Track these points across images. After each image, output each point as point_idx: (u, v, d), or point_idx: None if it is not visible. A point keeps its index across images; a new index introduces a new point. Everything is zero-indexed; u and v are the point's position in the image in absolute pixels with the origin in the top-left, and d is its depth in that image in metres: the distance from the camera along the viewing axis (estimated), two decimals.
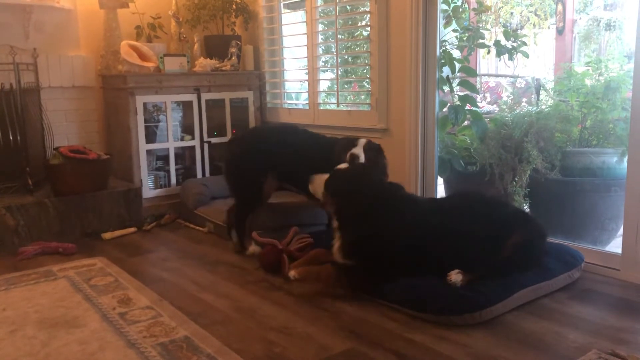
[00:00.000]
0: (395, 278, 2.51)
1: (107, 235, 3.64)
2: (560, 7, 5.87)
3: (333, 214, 2.68)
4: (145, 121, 4.09)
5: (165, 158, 4.28)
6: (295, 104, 4.60)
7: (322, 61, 4.29)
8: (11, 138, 3.64)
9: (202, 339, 2.20)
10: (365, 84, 3.95)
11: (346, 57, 4.25)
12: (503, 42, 3.91)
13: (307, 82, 4.34)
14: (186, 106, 4.37)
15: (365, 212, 2.56)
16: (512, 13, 6.40)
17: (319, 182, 2.72)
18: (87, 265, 3.10)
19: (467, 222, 2.59)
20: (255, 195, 3.24)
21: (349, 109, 4.10)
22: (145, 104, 4.08)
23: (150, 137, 4.21)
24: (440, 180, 3.79)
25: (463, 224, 2.58)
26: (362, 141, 3.01)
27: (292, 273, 2.63)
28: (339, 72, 4.12)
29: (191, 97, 4.25)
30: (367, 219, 2.55)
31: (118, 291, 2.71)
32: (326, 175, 2.71)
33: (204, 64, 4.32)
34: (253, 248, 3.21)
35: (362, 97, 4.27)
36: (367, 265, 2.55)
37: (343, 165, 2.74)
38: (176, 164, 4.28)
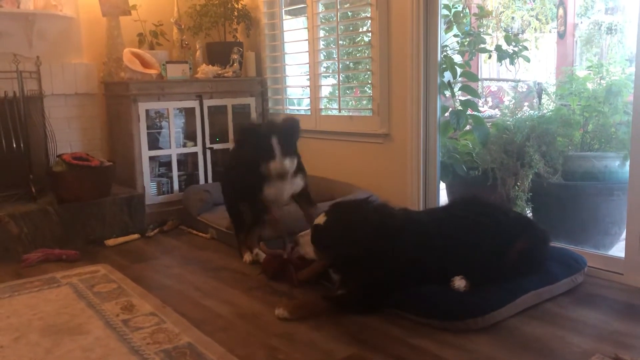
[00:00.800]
0: (394, 295, 2.48)
1: (110, 242, 3.65)
2: (561, 11, 5.88)
3: (333, 267, 2.61)
4: (148, 128, 4.11)
5: (167, 164, 4.29)
6: (297, 110, 4.62)
7: (324, 67, 4.31)
8: (14, 145, 3.66)
9: (205, 345, 2.20)
10: (367, 90, 3.96)
11: (347, 62, 4.26)
12: (504, 46, 3.93)
13: (308, 88, 4.35)
14: (188, 113, 4.39)
15: (365, 253, 2.46)
16: (513, 17, 6.41)
17: (305, 242, 2.61)
18: (90, 272, 3.11)
19: (469, 230, 2.58)
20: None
21: (350, 114, 4.11)
22: (147, 111, 4.10)
23: (153, 143, 4.22)
24: (442, 185, 3.80)
25: (465, 232, 2.57)
26: (275, 140, 2.95)
27: (281, 312, 2.46)
28: (341, 78, 4.13)
29: (193, 103, 4.27)
30: (369, 258, 2.46)
31: (121, 298, 2.72)
32: (307, 233, 2.62)
33: (206, 70, 4.33)
34: (247, 257, 3.24)
35: (364, 102, 4.28)
36: (369, 292, 2.48)
37: (320, 218, 2.60)
38: (179, 170, 4.29)
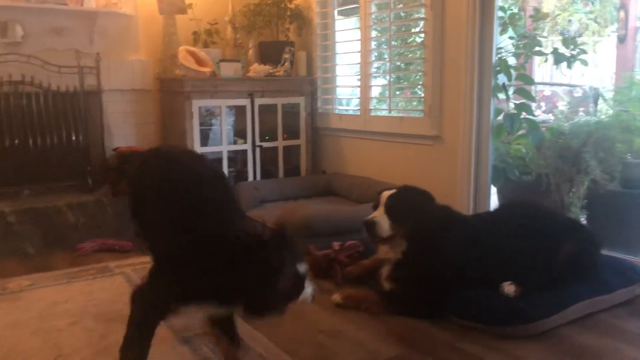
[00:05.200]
0: (445, 299, 2.46)
1: None
2: (622, 14, 5.67)
3: (400, 238, 2.57)
4: (200, 124, 4.19)
5: (218, 161, 4.36)
6: (346, 110, 4.62)
7: (375, 67, 4.29)
8: (74, 138, 3.80)
9: (253, 339, 2.24)
10: (418, 91, 3.93)
11: (399, 63, 4.24)
12: (561, 49, 3.83)
13: (358, 88, 4.35)
14: (239, 110, 4.45)
15: (429, 236, 2.49)
16: (570, 20, 6.23)
17: (380, 217, 2.57)
18: (142, 263, 3.18)
19: (518, 233, 2.54)
20: None
21: (400, 115, 4.09)
22: (200, 108, 4.18)
23: (204, 140, 4.30)
24: (493, 190, 3.73)
25: (514, 236, 2.53)
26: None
27: (336, 297, 2.58)
28: (392, 78, 4.11)
29: (245, 101, 4.33)
30: (429, 244, 2.49)
31: None
32: (375, 213, 2.59)
33: (257, 69, 4.39)
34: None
35: (414, 103, 4.25)
36: (417, 290, 2.48)
37: (388, 192, 2.60)
38: (228, 167, 4.36)
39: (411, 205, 2.58)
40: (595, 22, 6.05)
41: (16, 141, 3.67)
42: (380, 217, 2.56)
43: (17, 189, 3.72)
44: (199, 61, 4.18)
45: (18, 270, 3.10)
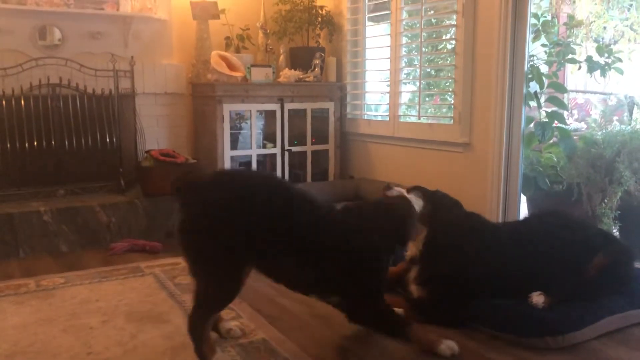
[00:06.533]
0: (470, 307, 2.44)
1: None
2: None
3: (421, 242, 2.55)
4: (230, 128, 4.24)
5: (247, 164, 4.41)
6: (375, 116, 4.62)
7: (405, 73, 4.29)
8: (108, 140, 3.88)
9: (279, 342, 2.25)
10: (448, 97, 3.91)
11: (429, 70, 4.23)
12: (595, 57, 3.77)
13: (387, 94, 4.35)
14: (269, 115, 4.49)
15: (455, 242, 2.49)
16: (605, 27, 6.11)
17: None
18: (171, 264, 3.24)
19: (548, 243, 2.50)
20: None
21: (429, 121, 4.07)
22: (230, 112, 4.23)
23: (234, 143, 4.35)
24: (523, 199, 3.69)
25: (544, 246, 2.49)
26: None
27: None
28: (422, 85, 4.10)
29: (275, 106, 4.36)
30: (455, 249, 2.48)
31: None
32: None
33: (288, 74, 4.43)
34: None
35: (444, 110, 4.23)
36: (444, 297, 2.45)
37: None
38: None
39: (440, 202, 2.59)
40: (632, 29, 5.92)
41: (53, 142, 3.77)
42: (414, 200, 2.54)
43: (53, 189, 3.82)
44: (231, 66, 4.24)
45: (52, 268, 3.19)
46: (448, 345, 2.13)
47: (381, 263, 2.17)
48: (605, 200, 3.34)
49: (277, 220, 1.97)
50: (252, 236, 1.95)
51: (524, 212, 3.67)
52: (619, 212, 3.32)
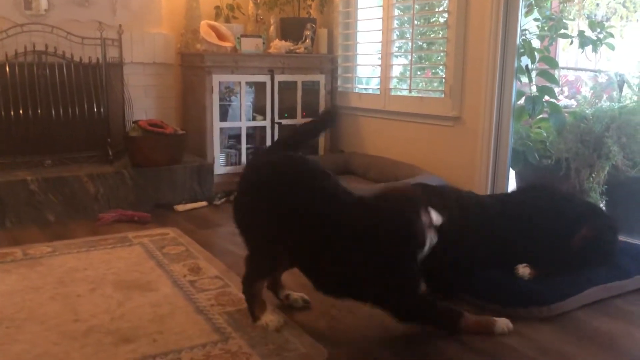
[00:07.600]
0: (460, 279, 2.45)
1: (179, 208, 3.78)
2: None
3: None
4: (219, 100, 4.20)
5: (237, 137, 4.38)
6: (366, 89, 4.60)
7: (396, 46, 4.26)
8: (95, 110, 3.83)
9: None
10: (439, 71, 3.90)
11: (420, 43, 4.20)
12: (587, 32, 3.76)
13: (379, 67, 4.32)
14: (258, 87, 4.45)
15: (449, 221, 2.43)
16: (597, 4, 6.08)
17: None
18: (160, 234, 3.23)
19: (535, 216, 2.52)
20: None
21: (420, 95, 4.06)
22: (220, 84, 4.19)
23: (223, 115, 4.32)
24: (512, 173, 3.70)
25: (530, 218, 2.51)
26: None
27: None
28: (413, 58, 4.07)
29: (265, 78, 4.32)
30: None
31: (189, 260, 2.82)
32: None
33: (278, 45, 4.38)
34: None
35: (435, 84, 4.22)
36: (435, 270, 2.41)
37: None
38: (247, 143, 4.38)
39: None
40: (624, 6, 5.91)
41: (39, 111, 3.71)
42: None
43: (39, 158, 3.77)
44: (221, 36, 4.18)
45: (39, 238, 3.17)
46: (503, 323, 2.13)
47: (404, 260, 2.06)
48: (593, 175, 3.37)
49: (308, 216, 1.99)
50: (285, 222, 2.01)
51: (512, 186, 3.69)
52: (606, 186, 3.35)
